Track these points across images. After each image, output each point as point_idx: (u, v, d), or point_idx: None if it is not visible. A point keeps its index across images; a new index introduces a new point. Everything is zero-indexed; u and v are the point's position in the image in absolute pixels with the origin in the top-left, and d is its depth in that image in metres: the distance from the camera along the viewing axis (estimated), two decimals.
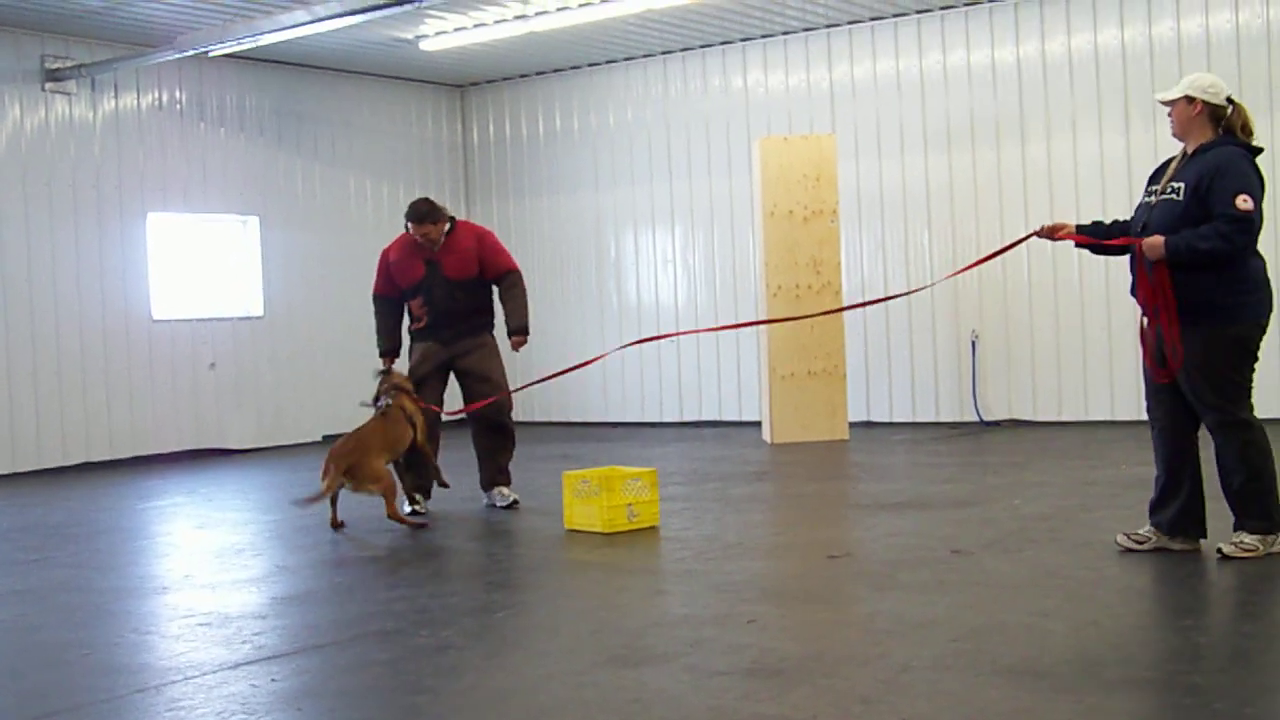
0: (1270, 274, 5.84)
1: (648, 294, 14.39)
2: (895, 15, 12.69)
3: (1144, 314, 5.86)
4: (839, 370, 11.76)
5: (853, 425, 11.98)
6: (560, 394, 14.90)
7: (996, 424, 12.28)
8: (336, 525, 7.70)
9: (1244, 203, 5.57)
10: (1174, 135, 5.96)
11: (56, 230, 11.93)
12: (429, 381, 8.31)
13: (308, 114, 14.03)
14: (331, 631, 5.28)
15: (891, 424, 12.76)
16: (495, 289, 8.53)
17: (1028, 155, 12.22)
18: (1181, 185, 5.75)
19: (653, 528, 7.31)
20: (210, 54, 11.95)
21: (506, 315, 8.46)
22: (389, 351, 8.50)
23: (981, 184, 12.44)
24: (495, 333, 8.61)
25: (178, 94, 12.89)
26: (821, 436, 11.57)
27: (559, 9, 11.71)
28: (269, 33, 10.88)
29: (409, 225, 8.24)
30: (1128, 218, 6.18)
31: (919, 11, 12.58)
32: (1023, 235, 6.57)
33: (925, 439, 11.58)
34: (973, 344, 12.46)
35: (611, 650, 4.78)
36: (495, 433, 8.44)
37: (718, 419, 13.87)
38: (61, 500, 9.98)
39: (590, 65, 14.53)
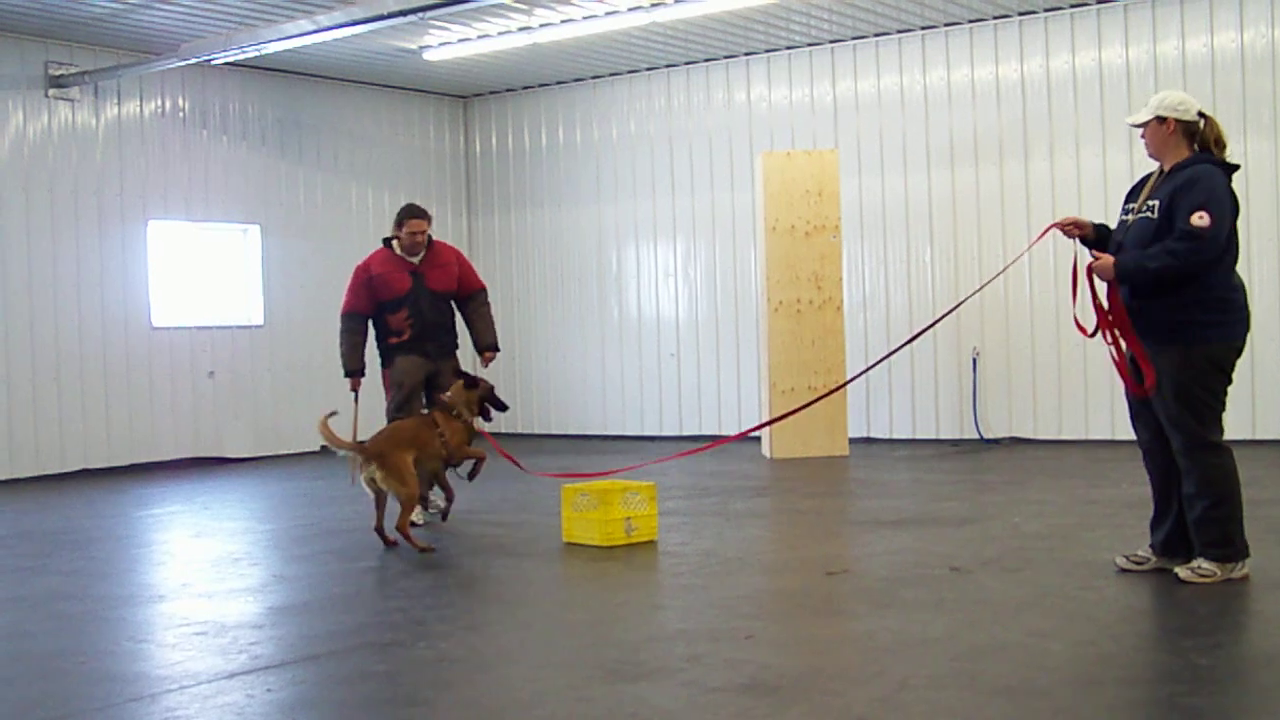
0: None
1: (649, 307, 14.38)
2: (900, 31, 12.71)
3: (1102, 336, 5.85)
4: None
5: (853, 441, 11.96)
6: (560, 407, 14.90)
7: (997, 442, 12.26)
8: (386, 538, 7.42)
9: (1199, 219, 5.55)
10: (1150, 156, 5.96)
11: (58, 236, 11.93)
12: (413, 398, 8.42)
13: (310, 123, 14.04)
14: (328, 642, 5.26)
15: (891, 440, 12.74)
16: (458, 307, 8.78)
17: (1031, 172, 12.23)
18: (1156, 203, 5.76)
19: (651, 542, 7.29)
20: (214, 62, 11.96)
21: (479, 332, 8.74)
22: (357, 372, 8.56)
23: (984, 200, 12.45)
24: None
25: (180, 102, 12.90)
26: (821, 452, 11.55)
27: (563, 21, 11.72)
28: (273, 42, 10.88)
29: (404, 224, 8.44)
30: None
31: (923, 28, 12.60)
32: (1043, 230, 6.42)
33: (925, 456, 11.56)
34: (974, 361, 12.45)
35: (608, 665, 4.76)
36: None
37: (717, 433, 13.85)
38: (59, 507, 9.96)
39: (594, 78, 14.55)
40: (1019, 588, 5.87)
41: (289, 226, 13.77)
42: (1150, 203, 5.80)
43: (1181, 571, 5.75)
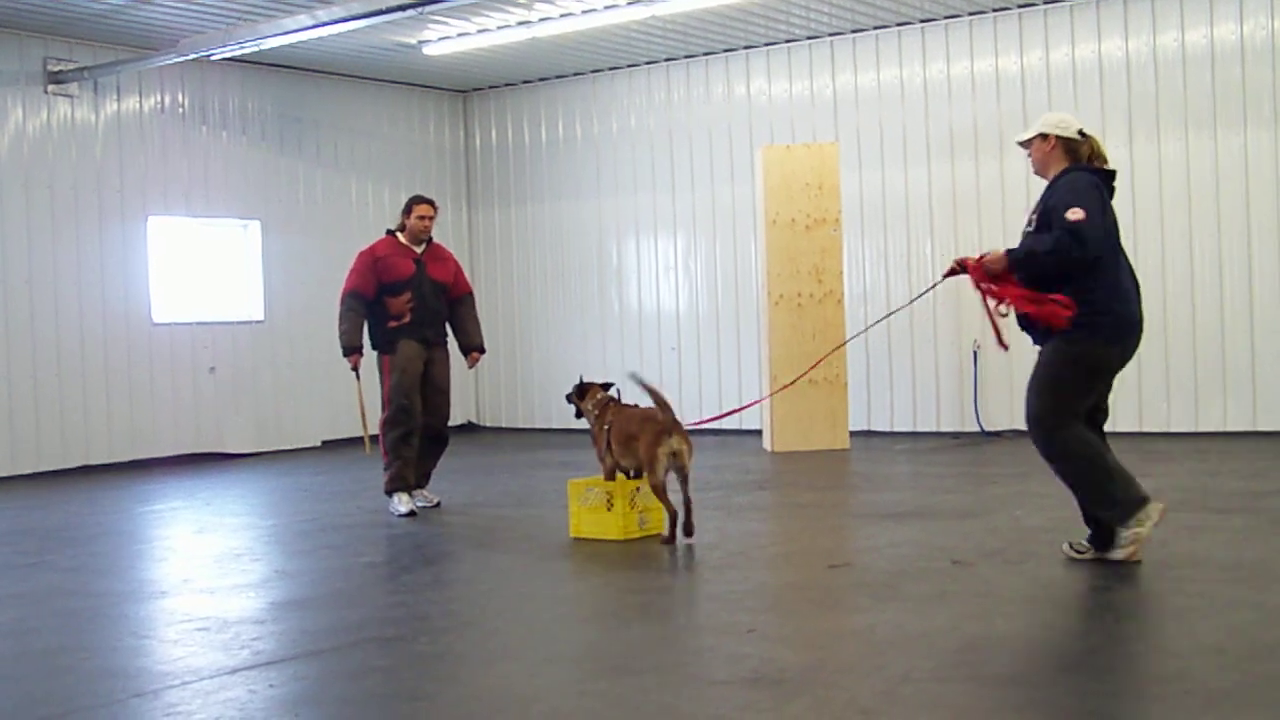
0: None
1: (649, 301, 14.38)
2: (899, 24, 12.69)
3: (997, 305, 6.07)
4: (840, 379, 11.74)
5: (853, 434, 11.95)
6: (560, 401, 14.87)
7: (998, 434, 12.26)
8: (689, 529, 7.04)
9: (1073, 214, 5.76)
10: (1035, 173, 6.26)
11: (58, 233, 11.92)
12: (415, 383, 8.60)
13: (310, 118, 14.03)
14: (330, 637, 5.26)
15: (892, 434, 12.74)
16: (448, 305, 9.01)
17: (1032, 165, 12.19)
18: (1035, 215, 6.04)
19: (655, 535, 7.29)
20: (213, 58, 11.94)
21: (469, 333, 9.02)
22: (358, 349, 8.70)
23: (984, 193, 12.44)
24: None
25: (180, 97, 12.89)
26: (822, 446, 11.55)
27: (562, 15, 11.71)
28: (272, 37, 10.87)
29: (412, 210, 8.75)
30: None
31: (923, 20, 12.59)
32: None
33: (926, 449, 11.56)
34: (974, 354, 12.44)
35: (611, 659, 4.76)
36: (435, 442, 8.84)
37: (718, 427, 13.83)
38: (60, 503, 9.97)
39: (593, 72, 14.53)
40: (1021, 580, 5.88)
41: (289, 222, 13.76)
42: (1032, 216, 6.07)
43: (1112, 555, 5.88)
